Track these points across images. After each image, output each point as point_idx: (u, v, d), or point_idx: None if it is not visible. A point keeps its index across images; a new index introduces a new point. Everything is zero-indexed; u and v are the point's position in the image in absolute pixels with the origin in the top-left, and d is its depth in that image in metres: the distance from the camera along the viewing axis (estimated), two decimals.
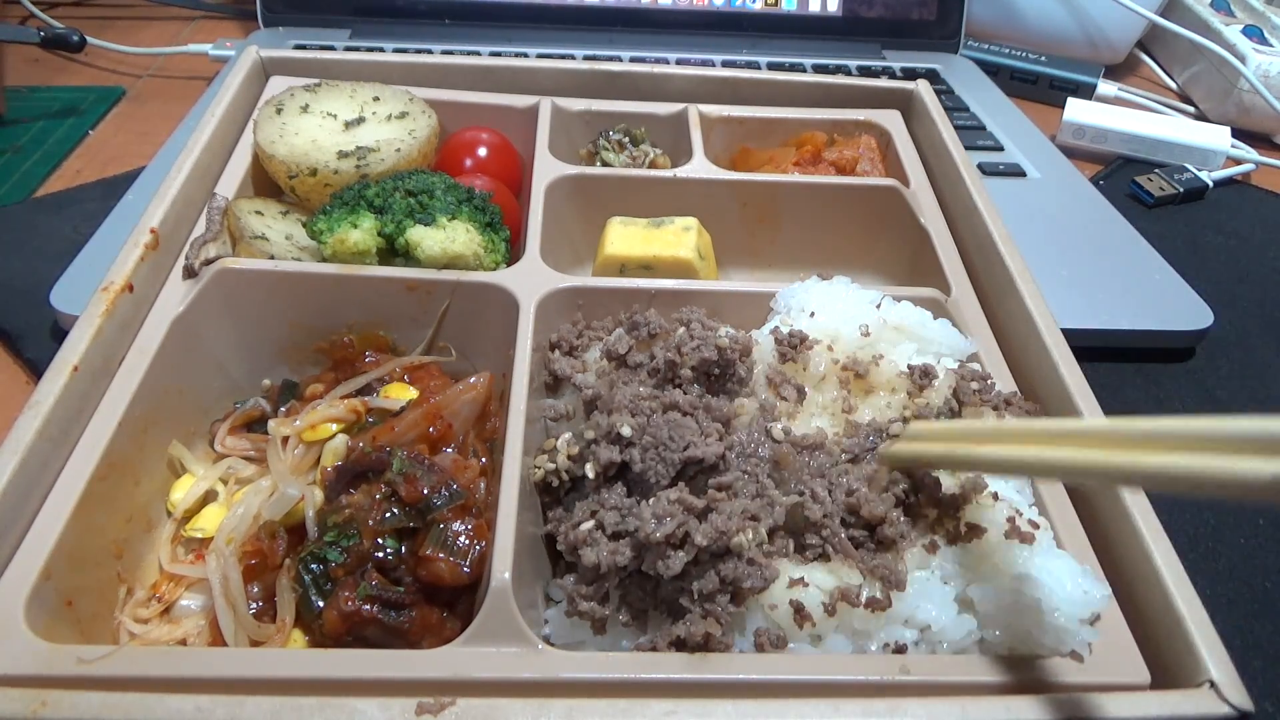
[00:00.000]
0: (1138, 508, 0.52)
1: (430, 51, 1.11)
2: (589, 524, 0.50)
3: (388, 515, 0.51)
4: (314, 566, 0.51)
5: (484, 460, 0.58)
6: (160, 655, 0.45)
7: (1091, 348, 0.76)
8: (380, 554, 0.51)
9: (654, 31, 1.20)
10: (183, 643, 0.51)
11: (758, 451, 0.53)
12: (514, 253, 0.70)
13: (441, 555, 0.50)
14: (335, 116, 0.76)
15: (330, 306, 0.64)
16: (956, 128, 0.83)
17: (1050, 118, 1.15)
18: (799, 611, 0.47)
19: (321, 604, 0.50)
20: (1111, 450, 0.37)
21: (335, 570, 0.51)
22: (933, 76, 1.18)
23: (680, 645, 0.46)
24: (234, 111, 0.77)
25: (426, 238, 0.64)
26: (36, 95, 1.09)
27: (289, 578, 0.51)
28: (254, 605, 0.52)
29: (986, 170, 1.00)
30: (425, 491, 0.52)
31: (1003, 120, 1.10)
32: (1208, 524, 0.68)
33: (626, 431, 0.51)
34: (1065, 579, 0.47)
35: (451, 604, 0.52)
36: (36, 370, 0.71)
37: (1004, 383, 0.61)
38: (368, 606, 0.49)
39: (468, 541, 0.51)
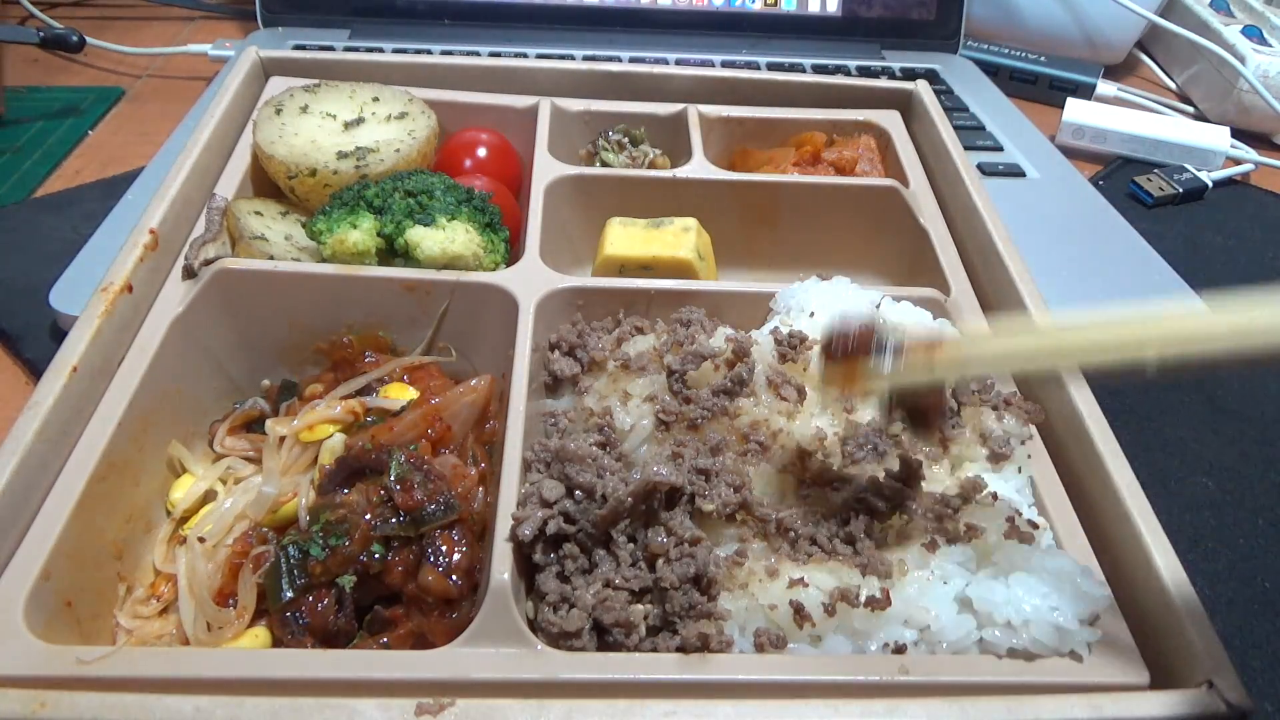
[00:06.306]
0: (1137, 508, 0.51)
1: (430, 52, 1.11)
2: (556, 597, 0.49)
3: (383, 522, 0.51)
4: (294, 553, 0.50)
5: (483, 465, 0.58)
6: (159, 655, 0.45)
7: None
8: (365, 557, 0.50)
9: (654, 31, 1.20)
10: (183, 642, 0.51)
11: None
12: (514, 253, 0.70)
13: (431, 566, 0.50)
14: (335, 117, 0.76)
15: (330, 307, 0.64)
16: (956, 128, 0.83)
17: (1050, 118, 1.15)
18: (799, 611, 0.47)
19: (290, 593, 0.49)
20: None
21: (313, 566, 0.50)
22: (932, 77, 1.18)
23: (679, 648, 0.46)
24: (233, 112, 0.77)
25: (426, 238, 0.64)
26: (36, 95, 1.09)
27: (254, 567, 0.51)
28: (232, 603, 0.52)
29: (986, 170, 1.00)
30: (421, 499, 0.51)
31: (1002, 120, 1.10)
32: (1208, 524, 0.67)
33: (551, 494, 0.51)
34: (1065, 579, 0.47)
35: (451, 605, 0.52)
36: (36, 370, 0.71)
37: (1004, 383, 0.61)
38: (339, 614, 0.50)
39: (459, 556, 0.51)
